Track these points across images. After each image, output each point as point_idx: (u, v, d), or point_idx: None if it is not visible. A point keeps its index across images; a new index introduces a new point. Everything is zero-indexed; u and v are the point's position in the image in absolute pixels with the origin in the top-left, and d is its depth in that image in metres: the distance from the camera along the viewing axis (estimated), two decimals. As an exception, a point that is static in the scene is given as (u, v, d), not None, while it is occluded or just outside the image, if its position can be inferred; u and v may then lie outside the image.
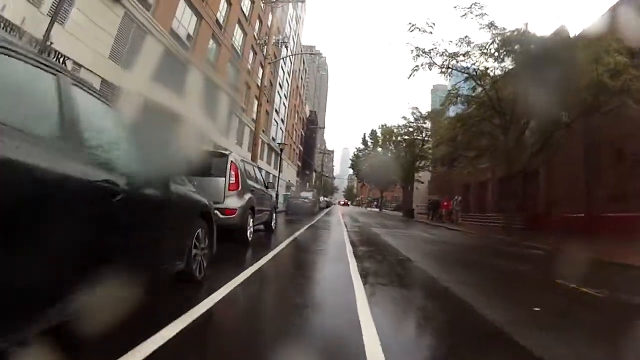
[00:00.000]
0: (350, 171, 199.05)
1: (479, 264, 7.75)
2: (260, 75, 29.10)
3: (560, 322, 3.49)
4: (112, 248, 2.00)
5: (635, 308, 4.28)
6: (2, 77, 1.48)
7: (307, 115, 70.70)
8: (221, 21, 21.87)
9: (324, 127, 67.04)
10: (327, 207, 41.88)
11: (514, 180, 14.98)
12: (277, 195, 22.96)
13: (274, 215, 9.84)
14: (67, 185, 1.61)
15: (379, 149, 46.10)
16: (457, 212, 24.04)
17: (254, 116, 24.30)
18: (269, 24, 27.33)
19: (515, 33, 13.02)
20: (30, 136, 1.47)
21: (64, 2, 8.52)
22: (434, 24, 14.44)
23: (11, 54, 1.51)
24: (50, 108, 1.71)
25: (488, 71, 14.51)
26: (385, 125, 45.77)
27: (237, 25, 24.79)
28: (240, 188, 6.32)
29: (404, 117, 32.27)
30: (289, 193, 30.14)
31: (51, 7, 9.37)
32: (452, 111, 17.88)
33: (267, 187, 8.99)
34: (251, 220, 6.87)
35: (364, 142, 48.02)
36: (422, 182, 39.47)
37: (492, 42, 13.57)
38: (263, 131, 31.15)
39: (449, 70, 14.98)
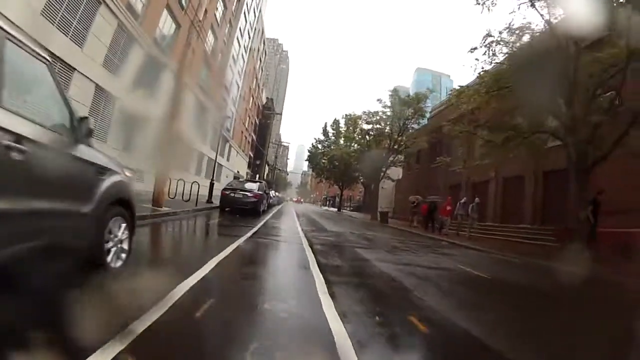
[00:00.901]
0: (305, 167, 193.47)
1: None
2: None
3: None
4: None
5: None
6: None
7: (264, 103, 64.46)
8: None
9: (281, 113, 60.88)
10: (279, 204, 36.25)
11: (583, 174, 10.26)
12: (211, 185, 17.12)
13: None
14: None
15: (342, 141, 41.21)
16: (473, 220, 16.75)
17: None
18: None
19: None
20: None
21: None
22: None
23: None
24: None
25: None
26: (351, 114, 41.10)
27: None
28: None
29: (379, 100, 27.36)
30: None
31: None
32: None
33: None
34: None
35: (325, 132, 42.92)
36: (393, 180, 34.89)
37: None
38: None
39: None
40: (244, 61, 40.42)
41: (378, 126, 28.69)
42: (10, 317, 1.95)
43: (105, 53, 14.01)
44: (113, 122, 14.96)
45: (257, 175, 41.52)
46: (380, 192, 43.22)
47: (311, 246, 7.78)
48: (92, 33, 12.89)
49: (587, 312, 4.88)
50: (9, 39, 2.04)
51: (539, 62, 9.24)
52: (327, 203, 75.89)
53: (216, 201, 15.44)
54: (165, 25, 19.45)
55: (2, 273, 2.05)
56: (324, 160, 42.92)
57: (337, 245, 9.12)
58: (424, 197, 27.26)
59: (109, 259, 3.07)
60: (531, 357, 2.91)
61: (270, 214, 17.54)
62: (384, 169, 28.94)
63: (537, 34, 10.91)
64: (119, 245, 3.23)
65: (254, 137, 56.52)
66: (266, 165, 67.88)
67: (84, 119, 2.68)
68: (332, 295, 3.68)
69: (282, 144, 64.79)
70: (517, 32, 10.91)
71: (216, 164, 22.78)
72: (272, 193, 26.45)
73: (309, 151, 43.85)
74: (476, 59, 12.20)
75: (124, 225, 3.24)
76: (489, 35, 11.31)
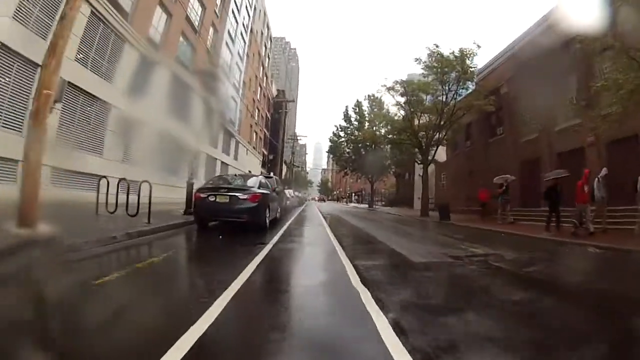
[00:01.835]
0: (325, 164, 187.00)
1: None
2: None
3: None
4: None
5: None
6: None
7: (275, 95, 58.56)
8: None
9: (294, 100, 54.75)
10: (300, 205, 30.23)
11: None
12: (190, 188, 11.23)
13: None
14: None
15: (367, 125, 34.80)
16: (603, 201, 10.32)
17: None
18: None
19: None
20: None
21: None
22: None
23: None
24: None
25: None
26: (373, 95, 34.71)
27: None
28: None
29: (418, 60, 20.82)
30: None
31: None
32: None
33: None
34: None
35: (346, 117, 36.55)
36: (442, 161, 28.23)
37: None
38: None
39: None
40: (245, 42, 34.54)
41: (415, 98, 22.07)
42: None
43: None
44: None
45: (272, 174, 35.69)
46: (416, 181, 36.66)
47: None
48: None
49: None
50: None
51: None
52: (353, 199, 69.42)
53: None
54: None
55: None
56: (347, 150, 36.60)
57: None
58: (486, 179, 20.65)
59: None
60: None
61: (287, 224, 11.45)
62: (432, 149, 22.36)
63: None
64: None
65: (267, 132, 50.70)
66: (283, 164, 62.11)
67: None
68: None
69: (299, 138, 58.79)
70: None
71: (220, 163, 16.97)
72: (288, 192, 20.44)
73: (330, 141, 37.55)
74: None
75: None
76: None
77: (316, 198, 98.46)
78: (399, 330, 2.60)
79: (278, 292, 3.84)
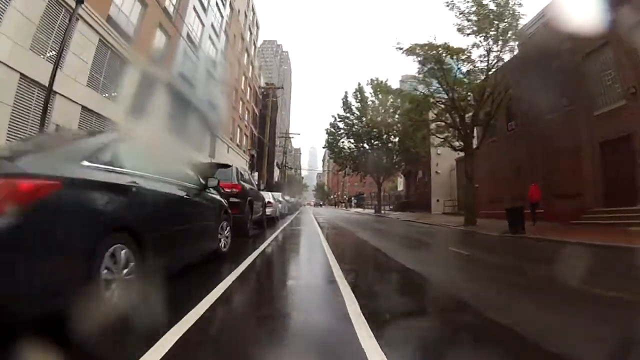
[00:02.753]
0: (320, 168, 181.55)
1: None
2: None
3: None
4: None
5: None
6: None
7: (262, 87, 52.27)
8: None
9: (282, 87, 48.08)
10: (290, 213, 23.88)
11: None
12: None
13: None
14: None
15: (369, 115, 28.71)
16: None
17: None
18: None
19: None
20: None
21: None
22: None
23: None
24: None
25: None
26: (377, 79, 28.78)
27: None
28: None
29: (449, 4, 14.78)
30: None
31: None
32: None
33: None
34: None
35: (346, 104, 30.37)
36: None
37: None
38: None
39: None
40: (221, 16, 28.33)
41: (444, 66, 15.84)
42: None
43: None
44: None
45: (257, 174, 29.38)
46: (435, 180, 30.55)
47: None
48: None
49: None
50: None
51: None
52: (353, 203, 63.03)
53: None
54: None
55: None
56: (348, 144, 30.41)
57: None
58: (540, 172, 14.77)
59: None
60: None
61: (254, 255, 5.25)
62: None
63: None
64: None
65: (254, 129, 44.32)
66: (275, 167, 55.66)
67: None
68: None
69: (291, 136, 52.02)
70: None
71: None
72: (272, 196, 14.18)
73: (327, 133, 31.28)
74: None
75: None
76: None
77: (311, 203, 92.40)
78: None
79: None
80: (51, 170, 2.19)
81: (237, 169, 8.82)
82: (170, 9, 19.46)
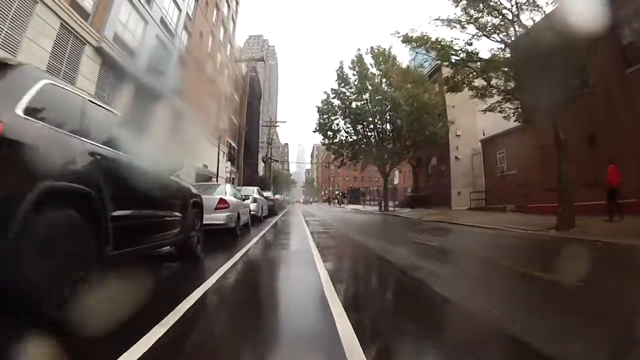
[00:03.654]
0: (309, 165, 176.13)
1: None
2: None
3: None
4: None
5: None
6: None
7: (243, 73, 46.01)
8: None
9: (263, 60, 41.53)
10: (274, 213, 18.01)
11: None
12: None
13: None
14: None
15: (368, 89, 23.04)
16: None
17: None
18: None
19: None
20: None
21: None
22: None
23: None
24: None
25: None
26: (378, 47, 23.30)
27: None
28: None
29: None
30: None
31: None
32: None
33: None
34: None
35: (342, 78, 24.45)
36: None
37: None
38: None
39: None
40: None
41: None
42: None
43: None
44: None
45: (235, 166, 23.32)
46: (455, 168, 25.02)
47: None
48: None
49: None
50: None
51: None
52: (345, 200, 57.15)
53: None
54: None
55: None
56: (347, 123, 24.49)
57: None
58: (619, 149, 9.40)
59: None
60: None
61: None
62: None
63: None
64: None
65: (233, 117, 38.05)
66: (261, 161, 49.47)
67: None
68: None
69: (277, 124, 45.22)
70: None
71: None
72: (234, 193, 8.35)
73: (318, 112, 24.93)
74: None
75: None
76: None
77: (301, 200, 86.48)
78: None
79: None
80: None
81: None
82: None
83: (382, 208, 24.72)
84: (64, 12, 11.07)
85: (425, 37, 11.38)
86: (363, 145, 24.66)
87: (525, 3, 10.04)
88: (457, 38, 12.99)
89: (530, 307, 2.97)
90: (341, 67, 24.45)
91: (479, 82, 11.82)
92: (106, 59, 14.06)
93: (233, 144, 38.22)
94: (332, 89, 24.44)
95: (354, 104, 23.79)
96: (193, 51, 24.48)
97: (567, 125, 11.93)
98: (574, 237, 7.67)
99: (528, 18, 10.23)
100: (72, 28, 11.66)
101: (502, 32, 10.43)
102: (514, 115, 11.96)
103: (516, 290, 3.68)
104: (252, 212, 11.01)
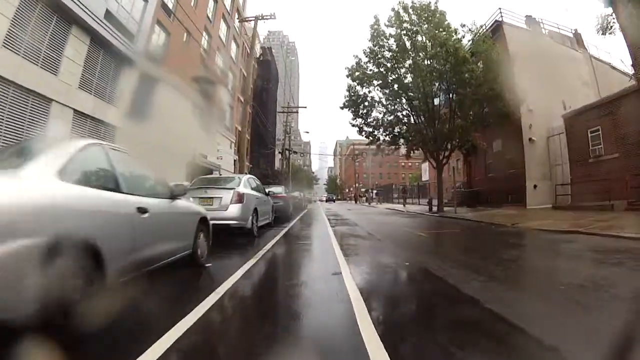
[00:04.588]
0: (331, 162, 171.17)
1: None
2: None
3: None
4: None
5: None
6: None
7: (258, 56, 40.67)
8: None
9: (273, 16, 35.66)
10: (288, 218, 12.37)
11: None
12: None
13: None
14: None
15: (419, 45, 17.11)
16: None
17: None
18: None
19: None
20: None
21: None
22: None
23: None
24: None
25: None
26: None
27: None
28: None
29: None
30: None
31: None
32: None
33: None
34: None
35: (376, 37, 18.37)
36: None
37: None
38: None
39: None
40: None
41: None
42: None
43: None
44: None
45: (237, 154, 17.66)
46: (530, 152, 18.83)
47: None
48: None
49: None
50: None
51: None
52: (372, 196, 50.80)
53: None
54: None
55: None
56: (386, 94, 18.47)
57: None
58: None
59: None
60: None
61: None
62: None
63: None
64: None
65: (241, 97, 32.58)
66: (278, 153, 43.89)
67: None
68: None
69: (294, 110, 39.14)
70: None
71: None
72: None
73: (348, 78, 18.68)
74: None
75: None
76: None
77: (323, 198, 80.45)
78: None
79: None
80: None
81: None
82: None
83: (433, 208, 18.51)
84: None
85: None
86: (405, 126, 18.64)
87: None
88: None
89: None
90: (377, 24, 18.42)
91: None
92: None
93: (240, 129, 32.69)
94: (365, 51, 18.33)
95: (393, 74, 17.72)
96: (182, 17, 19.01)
97: None
98: None
99: None
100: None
101: None
102: None
103: None
104: (227, 222, 5.66)
